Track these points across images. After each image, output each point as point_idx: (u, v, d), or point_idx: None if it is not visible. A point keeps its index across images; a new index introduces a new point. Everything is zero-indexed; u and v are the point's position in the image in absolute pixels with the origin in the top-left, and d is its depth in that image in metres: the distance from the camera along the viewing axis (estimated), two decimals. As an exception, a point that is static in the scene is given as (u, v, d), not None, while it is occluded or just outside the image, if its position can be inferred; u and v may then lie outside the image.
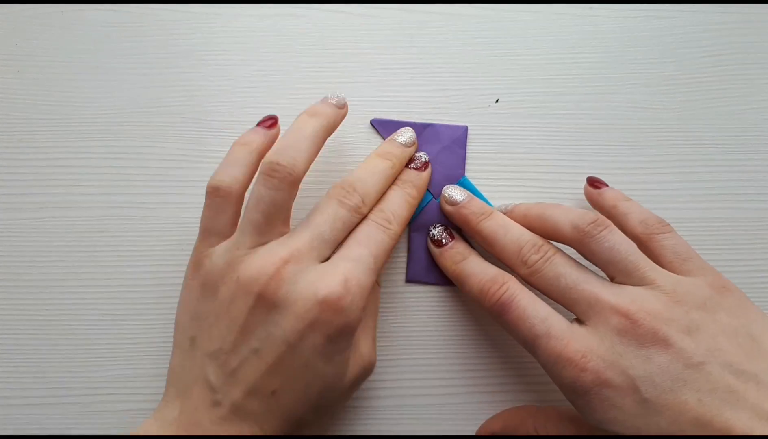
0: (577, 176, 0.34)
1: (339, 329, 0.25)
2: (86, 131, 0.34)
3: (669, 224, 0.29)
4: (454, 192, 0.31)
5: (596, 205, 0.32)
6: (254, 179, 0.28)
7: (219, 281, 0.26)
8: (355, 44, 0.35)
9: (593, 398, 0.24)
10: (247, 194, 0.28)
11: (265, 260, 0.25)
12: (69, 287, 0.33)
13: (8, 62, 0.34)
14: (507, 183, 0.34)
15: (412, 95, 0.34)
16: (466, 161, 0.33)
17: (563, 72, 0.35)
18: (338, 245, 0.27)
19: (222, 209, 0.27)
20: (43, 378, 0.32)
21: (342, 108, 0.30)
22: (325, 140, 0.29)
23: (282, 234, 0.27)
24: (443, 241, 0.31)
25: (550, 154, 0.34)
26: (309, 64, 0.35)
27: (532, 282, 0.28)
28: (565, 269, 0.27)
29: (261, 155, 0.29)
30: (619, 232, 0.28)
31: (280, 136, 0.30)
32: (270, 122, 0.30)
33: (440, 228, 0.32)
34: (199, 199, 0.28)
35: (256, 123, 0.30)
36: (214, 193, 0.27)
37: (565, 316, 0.27)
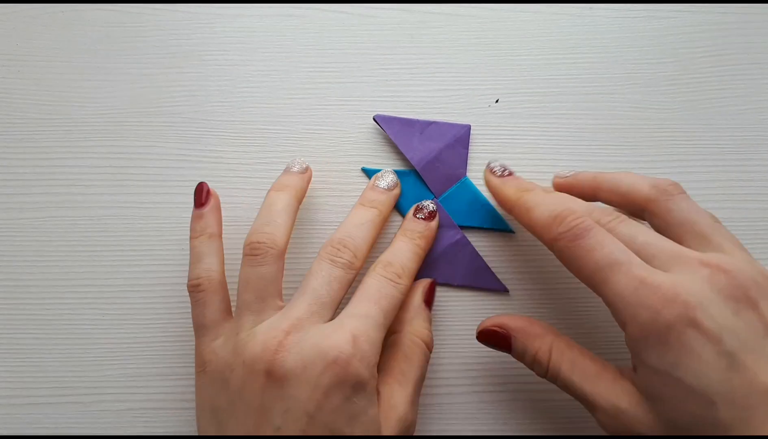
0: (577, 176, 0.34)
1: (354, 388, 0.24)
2: (86, 131, 0.34)
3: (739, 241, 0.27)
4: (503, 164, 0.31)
5: None
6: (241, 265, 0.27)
7: (227, 370, 0.25)
8: (355, 44, 0.35)
9: (672, 336, 0.22)
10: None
11: (266, 336, 0.25)
12: (69, 287, 0.33)
13: (8, 62, 0.34)
14: (507, 183, 0.34)
15: (412, 95, 0.34)
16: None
17: (563, 72, 0.35)
18: (338, 305, 0.27)
19: (209, 302, 0.27)
20: (43, 378, 0.32)
21: (305, 173, 0.31)
22: (297, 210, 0.29)
23: (279, 308, 0.27)
24: (507, 172, 0.31)
25: (550, 154, 0.34)
26: (309, 64, 0.35)
27: None
28: (639, 228, 0.25)
29: (220, 237, 0.29)
30: (695, 202, 0.27)
31: (224, 204, 0.30)
32: (204, 197, 0.30)
33: (501, 162, 0.31)
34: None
35: (193, 202, 0.30)
36: (195, 290, 0.28)
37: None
